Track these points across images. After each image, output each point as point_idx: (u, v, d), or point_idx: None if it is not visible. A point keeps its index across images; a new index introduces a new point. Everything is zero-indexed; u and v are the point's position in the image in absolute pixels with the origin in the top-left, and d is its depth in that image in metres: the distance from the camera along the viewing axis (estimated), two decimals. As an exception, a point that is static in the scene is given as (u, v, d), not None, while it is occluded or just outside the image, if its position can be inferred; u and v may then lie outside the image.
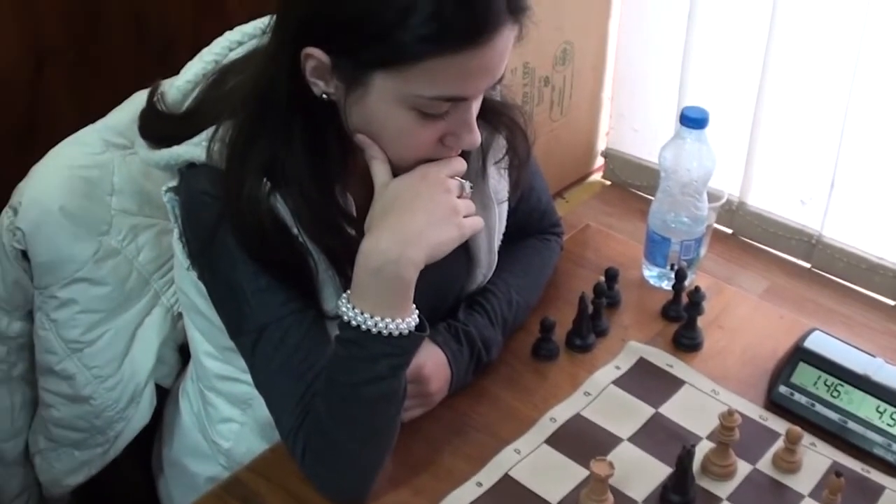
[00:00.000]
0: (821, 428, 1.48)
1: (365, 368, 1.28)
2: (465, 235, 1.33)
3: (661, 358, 1.59)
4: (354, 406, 1.30)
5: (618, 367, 1.57)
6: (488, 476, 1.39)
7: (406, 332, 1.28)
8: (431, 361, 1.43)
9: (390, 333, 1.27)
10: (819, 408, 1.49)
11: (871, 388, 1.49)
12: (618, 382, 1.54)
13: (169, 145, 1.36)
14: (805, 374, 1.52)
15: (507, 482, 1.39)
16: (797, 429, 1.42)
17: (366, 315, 1.26)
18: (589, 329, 1.60)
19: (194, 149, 1.33)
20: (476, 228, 1.35)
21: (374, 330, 1.26)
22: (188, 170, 1.35)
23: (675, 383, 1.55)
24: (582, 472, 1.39)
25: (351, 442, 1.31)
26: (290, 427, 1.34)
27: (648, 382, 1.54)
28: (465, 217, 1.32)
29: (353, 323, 1.27)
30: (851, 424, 1.47)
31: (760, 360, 1.59)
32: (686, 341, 1.61)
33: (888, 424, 1.46)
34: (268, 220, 1.30)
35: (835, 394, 1.50)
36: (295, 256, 1.33)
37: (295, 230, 1.32)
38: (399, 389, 1.32)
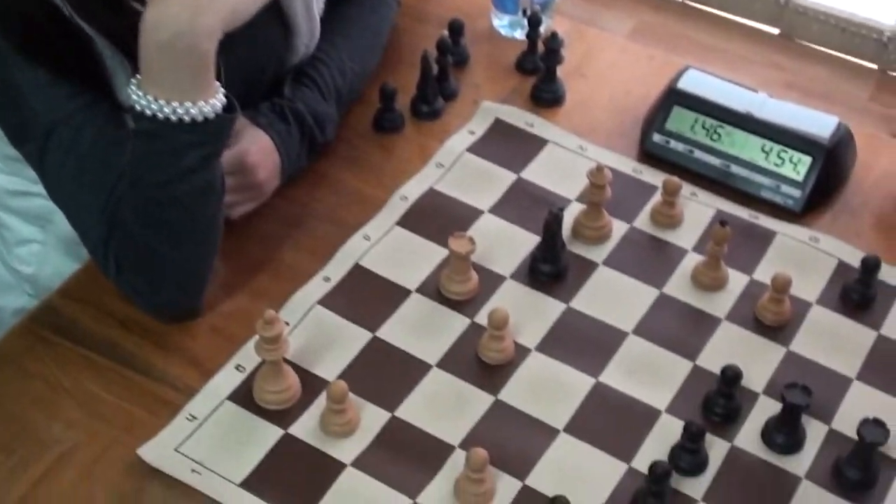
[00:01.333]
0: (701, 175, 1.50)
1: (170, 163, 1.22)
2: None
3: (520, 117, 1.57)
4: (165, 207, 1.24)
5: (472, 132, 1.55)
6: (336, 269, 1.38)
7: (212, 115, 1.20)
8: (255, 147, 1.37)
9: (193, 119, 1.19)
10: (698, 154, 1.50)
11: (754, 127, 1.50)
12: (473, 149, 1.53)
13: None
14: (680, 119, 1.52)
15: (358, 273, 1.38)
16: (675, 179, 1.43)
17: (161, 101, 1.18)
18: (435, 93, 1.58)
19: None
20: None
21: (173, 117, 1.19)
22: None
23: (536, 143, 1.54)
24: (440, 252, 1.39)
25: (168, 248, 1.26)
26: (96, 240, 1.29)
27: (507, 145, 1.53)
28: None
29: (149, 112, 1.19)
30: (735, 168, 1.48)
31: (631, 108, 1.59)
32: (546, 95, 1.60)
33: (775, 164, 1.47)
34: (31, 3, 1.20)
35: (715, 137, 1.50)
36: (72, 43, 1.23)
37: (66, 11, 1.22)
38: (215, 182, 1.26)
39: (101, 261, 1.30)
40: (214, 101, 1.20)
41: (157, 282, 1.29)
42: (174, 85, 1.18)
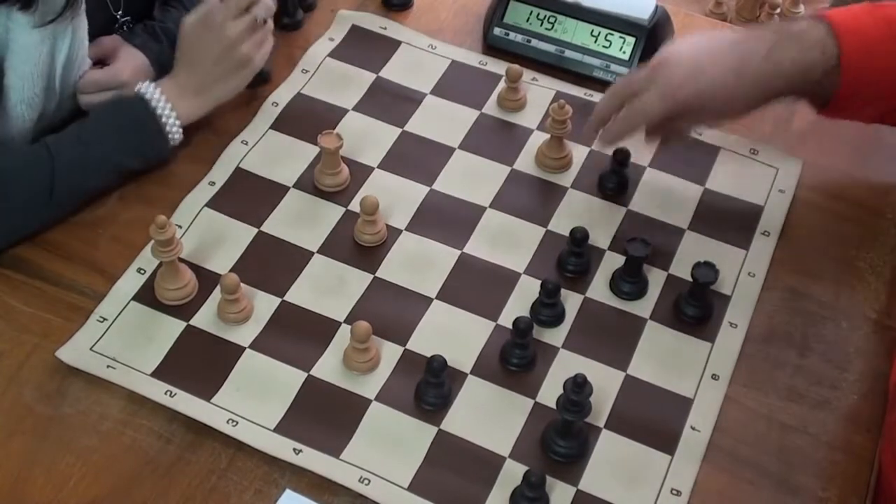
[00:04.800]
0: (540, 62, 1.49)
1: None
2: None
3: (374, 22, 1.55)
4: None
5: (331, 39, 1.52)
6: (220, 173, 1.35)
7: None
8: (131, 66, 1.35)
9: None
10: (535, 43, 1.50)
11: (583, 15, 1.49)
12: (334, 54, 1.50)
13: None
14: (517, 12, 1.51)
15: (239, 175, 1.35)
16: (516, 67, 1.43)
17: None
18: (295, 5, 1.54)
19: None
20: None
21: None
22: None
23: (391, 45, 1.51)
24: (312, 150, 1.37)
25: None
26: None
27: (365, 49, 1.51)
28: None
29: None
30: (569, 53, 1.48)
31: (473, 7, 1.57)
32: (396, 0, 1.57)
33: (604, 46, 1.48)
34: None
35: (548, 26, 1.49)
36: None
37: None
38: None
39: None
40: None
41: None
42: None
